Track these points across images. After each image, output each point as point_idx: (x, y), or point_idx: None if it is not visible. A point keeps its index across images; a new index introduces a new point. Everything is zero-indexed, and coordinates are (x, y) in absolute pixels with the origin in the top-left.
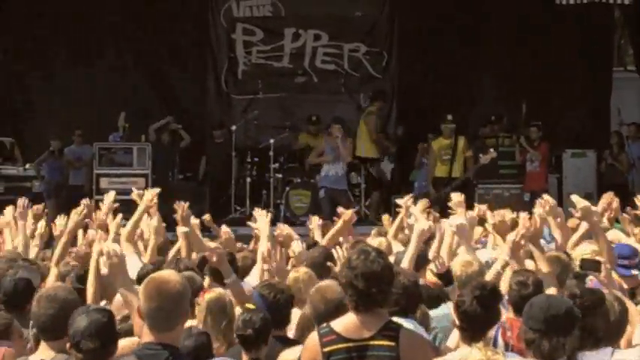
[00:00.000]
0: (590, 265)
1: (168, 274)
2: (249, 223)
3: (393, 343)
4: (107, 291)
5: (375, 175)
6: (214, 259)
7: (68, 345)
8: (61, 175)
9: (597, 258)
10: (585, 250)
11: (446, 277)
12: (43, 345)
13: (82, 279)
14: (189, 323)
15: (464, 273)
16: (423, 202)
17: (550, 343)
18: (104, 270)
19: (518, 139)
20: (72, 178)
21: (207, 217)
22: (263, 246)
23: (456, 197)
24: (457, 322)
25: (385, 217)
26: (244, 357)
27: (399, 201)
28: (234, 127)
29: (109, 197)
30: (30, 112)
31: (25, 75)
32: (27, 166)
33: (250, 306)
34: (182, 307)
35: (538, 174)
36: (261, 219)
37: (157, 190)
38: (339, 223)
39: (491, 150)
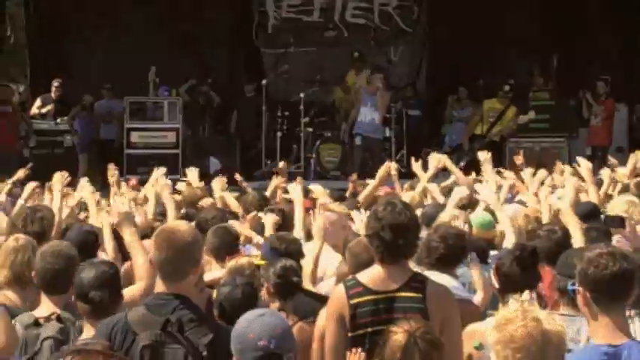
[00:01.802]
0: (615, 222)
1: (178, 225)
2: (283, 195)
3: (420, 295)
4: None
5: None
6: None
7: (73, 297)
8: (93, 129)
9: (622, 214)
10: (621, 201)
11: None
12: (45, 299)
13: None
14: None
15: None
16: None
17: None
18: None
19: (584, 94)
20: (103, 133)
21: (237, 176)
22: (298, 213)
23: (483, 155)
24: (496, 285)
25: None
26: (272, 305)
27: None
28: (264, 82)
29: (159, 172)
30: (63, 69)
31: (58, 34)
32: (59, 120)
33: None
34: (192, 257)
35: (600, 129)
36: (294, 191)
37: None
38: (375, 180)
39: (532, 112)
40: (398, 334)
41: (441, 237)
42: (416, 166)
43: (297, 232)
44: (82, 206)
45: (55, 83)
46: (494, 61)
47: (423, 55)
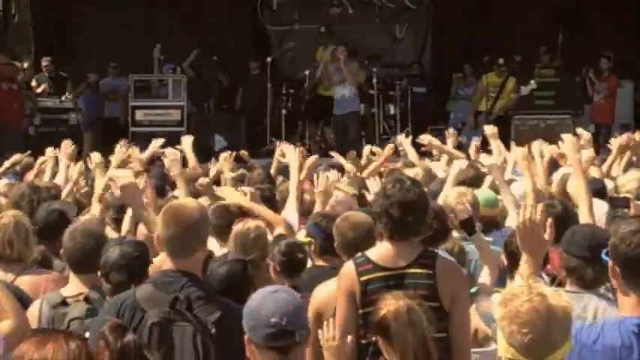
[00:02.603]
0: (620, 202)
1: (185, 202)
2: (279, 158)
3: (430, 271)
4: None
5: None
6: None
7: (100, 273)
8: (97, 107)
9: (626, 195)
10: (633, 177)
11: (469, 225)
12: (73, 277)
13: (122, 210)
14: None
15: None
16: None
17: (595, 270)
18: (117, 192)
19: (587, 72)
20: (107, 111)
21: (243, 152)
22: (294, 178)
23: (489, 129)
24: (505, 262)
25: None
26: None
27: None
28: (269, 59)
29: (157, 143)
30: (67, 47)
31: (62, 12)
32: (63, 98)
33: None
34: (199, 233)
35: (602, 106)
36: (290, 152)
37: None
38: (378, 160)
39: (532, 81)
40: (392, 305)
41: (432, 213)
42: (406, 142)
43: (291, 197)
44: (90, 181)
45: (44, 62)
46: (499, 37)
47: (428, 33)
